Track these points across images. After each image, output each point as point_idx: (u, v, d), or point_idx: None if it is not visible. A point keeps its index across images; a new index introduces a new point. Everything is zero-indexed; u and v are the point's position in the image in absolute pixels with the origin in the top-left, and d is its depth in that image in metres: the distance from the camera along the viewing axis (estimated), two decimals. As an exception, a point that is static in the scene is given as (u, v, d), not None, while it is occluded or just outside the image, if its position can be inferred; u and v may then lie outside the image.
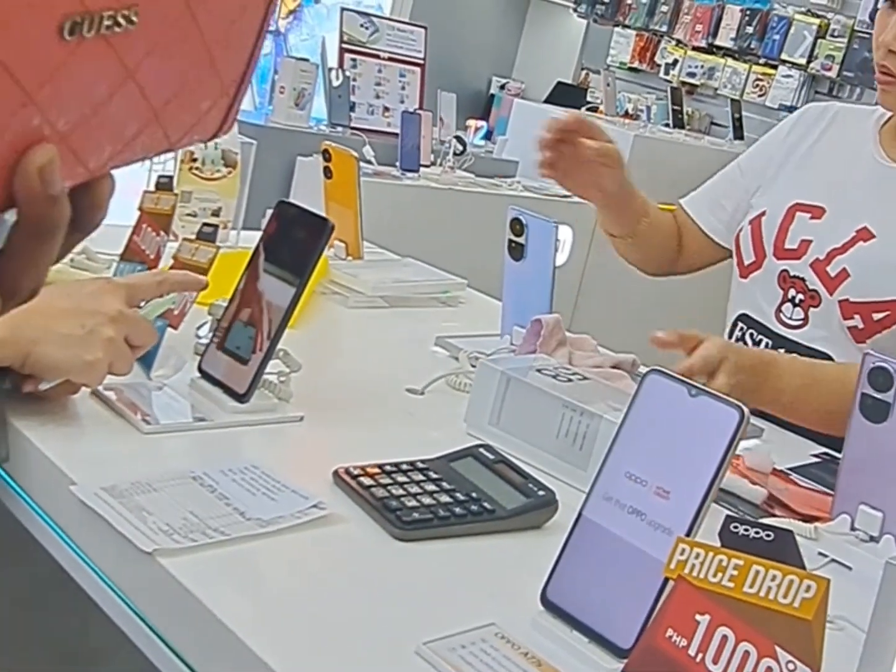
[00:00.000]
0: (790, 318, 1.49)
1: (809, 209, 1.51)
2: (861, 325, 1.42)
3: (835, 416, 1.27)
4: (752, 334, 1.55)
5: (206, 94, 0.42)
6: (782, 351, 1.49)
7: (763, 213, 1.54)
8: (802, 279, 1.47)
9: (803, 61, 5.43)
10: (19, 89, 0.34)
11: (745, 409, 0.71)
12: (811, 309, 1.47)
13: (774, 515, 1.08)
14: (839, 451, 1.08)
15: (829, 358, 1.46)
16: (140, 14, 0.36)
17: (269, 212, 1.09)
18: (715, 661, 0.60)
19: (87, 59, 0.36)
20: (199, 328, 1.21)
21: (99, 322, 0.93)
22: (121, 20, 0.36)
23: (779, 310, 1.51)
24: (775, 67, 5.59)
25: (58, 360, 0.91)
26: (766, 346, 1.51)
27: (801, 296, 1.48)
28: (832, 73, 5.35)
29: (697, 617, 0.62)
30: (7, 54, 0.33)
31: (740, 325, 1.57)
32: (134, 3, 0.36)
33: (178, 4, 0.38)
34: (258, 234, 1.09)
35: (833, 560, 0.99)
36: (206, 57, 0.40)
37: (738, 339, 1.56)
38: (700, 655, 0.61)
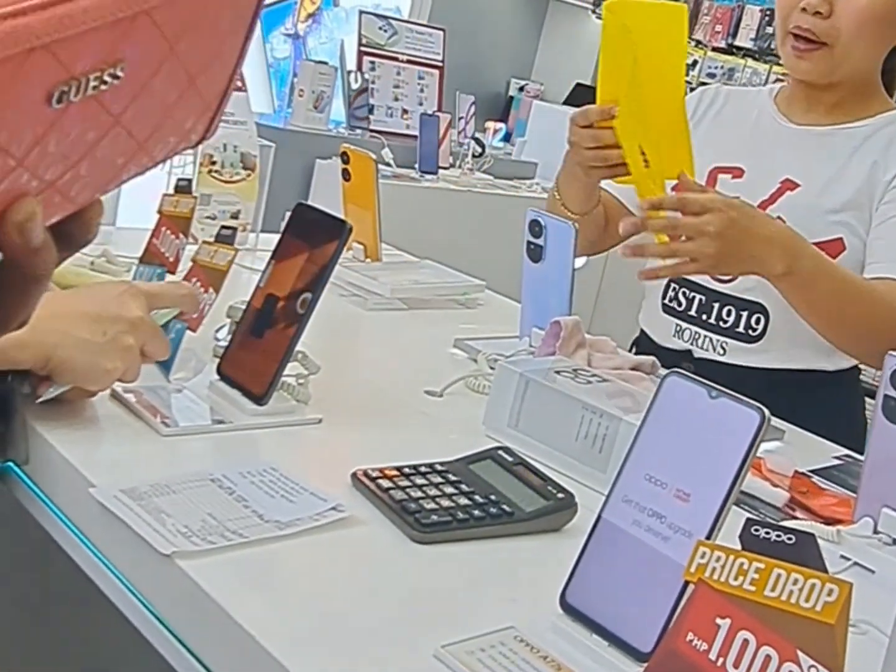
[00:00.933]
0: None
1: (729, 170, 1.59)
2: None
3: (846, 319, 1.37)
4: (684, 293, 1.60)
5: (190, 114, 0.43)
6: (717, 305, 1.55)
7: None
8: None
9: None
10: (9, 158, 0.35)
11: (766, 412, 0.70)
12: None
13: (796, 518, 1.07)
14: (862, 453, 1.07)
15: (763, 307, 1.52)
16: (126, 66, 0.37)
17: (288, 214, 1.09)
18: (736, 666, 0.60)
19: (75, 119, 0.36)
20: (217, 331, 1.21)
21: (120, 329, 0.93)
22: (107, 78, 0.36)
23: None
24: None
25: (77, 364, 0.91)
26: (700, 301, 1.57)
27: None
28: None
29: (718, 621, 0.61)
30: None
31: (672, 285, 1.61)
32: (119, 59, 0.36)
33: (162, 48, 0.38)
34: (277, 237, 1.09)
35: (856, 563, 0.98)
36: (189, 85, 0.41)
37: (671, 300, 1.61)
38: (721, 659, 0.60)
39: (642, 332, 1.70)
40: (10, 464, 0.93)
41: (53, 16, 0.34)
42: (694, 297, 1.58)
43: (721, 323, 1.56)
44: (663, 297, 1.63)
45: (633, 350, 1.69)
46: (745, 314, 1.53)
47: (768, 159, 1.57)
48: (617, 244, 1.72)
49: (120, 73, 0.37)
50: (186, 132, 0.44)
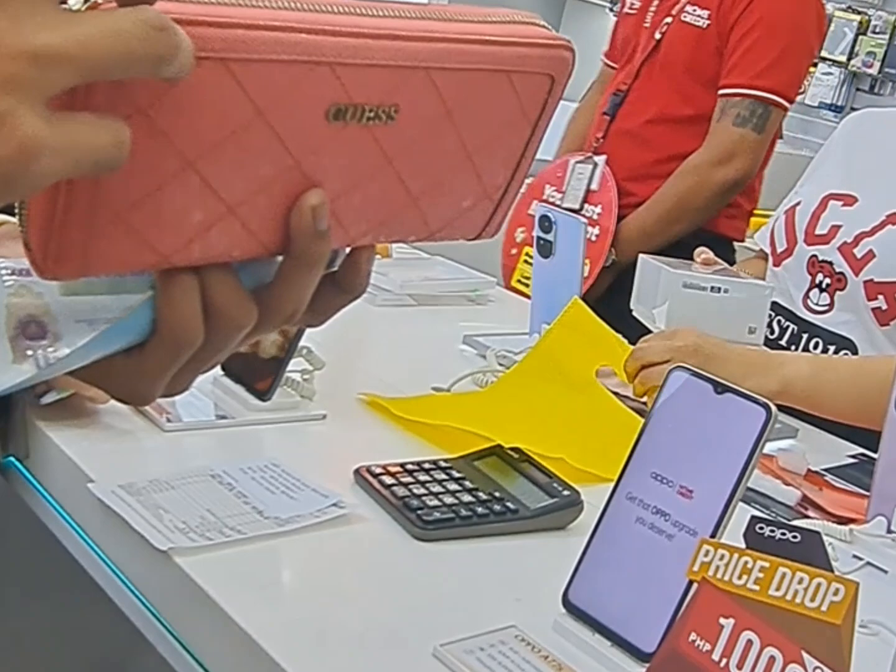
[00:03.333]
0: (816, 304, 1.49)
1: (842, 198, 1.52)
2: (885, 307, 1.42)
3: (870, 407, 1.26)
4: (779, 321, 1.54)
5: (467, 193, 0.46)
6: (806, 336, 1.49)
7: (798, 204, 1.55)
8: (830, 262, 1.47)
9: (844, 58, 5.35)
10: (289, 155, 0.40)
11: (773, 407, 0.69)
12: (837, 293, 1.47)
13: (808, 517, 1.05)
14: (876, 452, 1.05)
15: (852, 342, 1.46)
16: (400, 112, 0.41)
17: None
18: (739, 667, 0.58)
19: (349, 142, 0.41)
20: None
21: None
22: (381, 115, 0.41)
23: (806, 295, 1.51)
24: (815, 65, 5.52)
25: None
26: (792, 331, 1.52)
27: (827, 280, 1.48)
28: (873, 71, 5.27)
29: (722, 620, 0.59)
30: (281, 126, 0.39)
31: (771, 312, 1.56)
32: (394, 102, 0.41)
33: (437, 109, 0.42)
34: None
35: (868, 563, 0.96)
36: (467, 160, 0.45)
37: (766, 327, 1.55)
38: (724, 660, 0.59)
39: None
40: (12, 458, 0.92)
41: (341, 42, 0.39)
42: (787, 327, 1.52)
43: None
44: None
45: None
46: (832, 349, 1.47)
47: (884, 188, 1.49)
48: None
49: (394, 115, 0.41)
50: (463, 211, 0.46)
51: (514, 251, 2.25)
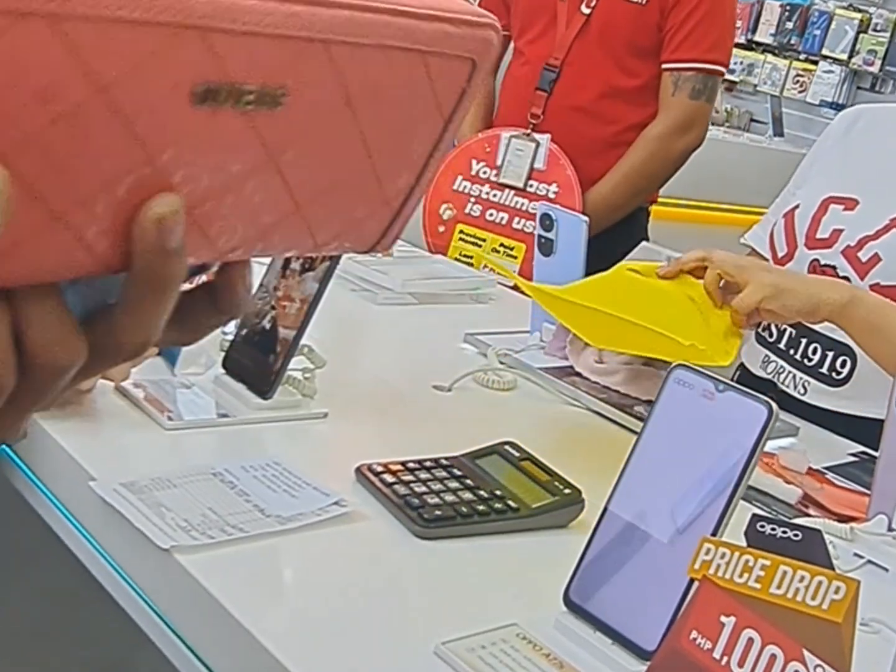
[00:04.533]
0: None
1: (843, 201, 1.50)
2: None
3: None
4: (777, 324, 1.53)
5: (363, 200, 0.38)
6: (805, 340, 1.48)
7: (797, 207, 1.52)
8: (833, 267, 1.45)
9: (845, 56, 5.35)
10: (139, 146, 0.31)
11: (774, 406, 0.69)
12: None
13: (809, 515, 1.05)
14: (877, 450, 1.05)
15: (851, 350, 1.44)
16: (288, 96, 0.32)
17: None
18: (740, 665, 0.58)
19: (220, 131, 0.32)
20: (224, 324, 1.20)
21: None
22: (265, 98, 0.32)
23: None
24: (816, 63, 5.51)
25: None
26: (790, 335, 1.51)
27: None
28: (874, 69, 5.27)
29: (723, 618, 0.59)
30: (129, 109, 0.30)
31: None
32: (282, 83, 0.32)
33: (334, 95, 0.34)
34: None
35: (869, 561, 0.96)
36: (366, 159, 0.36)
37: (764, 329, 1.55)
38: (725, 658, 0.59)
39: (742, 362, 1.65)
40: (4, 446, 0.92)
41: (222, 1, 0.29)
42: (785, 330, 1.51)
43: (806, 360, 1.48)
44: (758, 326, 1.53)
45: (735, 376, 1.63)
46: (830, 354, 1.45)
47: (885, 192, 1.47)
48: None
49: (281, 99, 0.32)
50: (356, 223, 0.38)
51: (441, 229, 2.21)
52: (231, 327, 1.20)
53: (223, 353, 1.09)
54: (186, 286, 0.36)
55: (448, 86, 0.37)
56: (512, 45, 2.24)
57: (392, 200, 0.39)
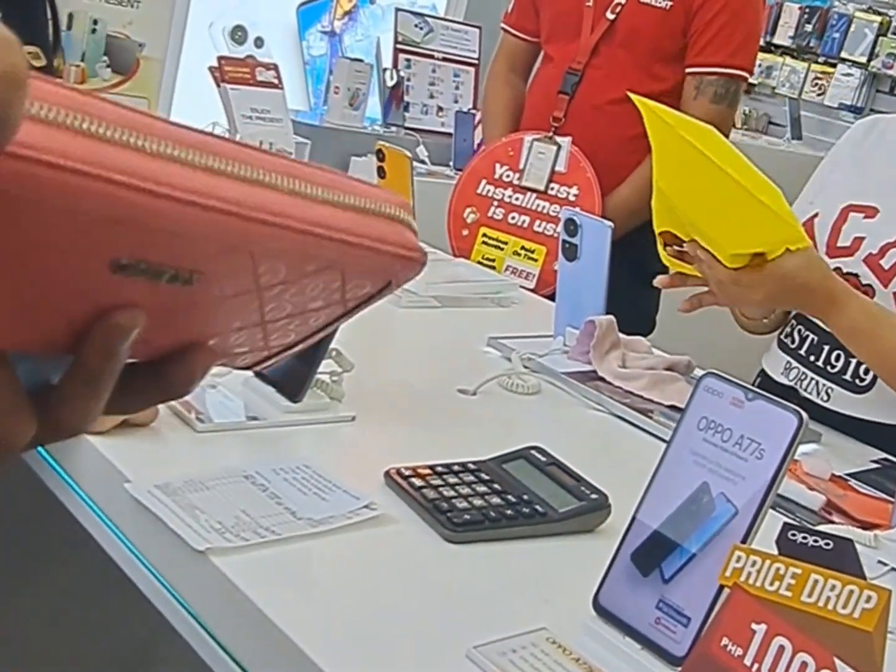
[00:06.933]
0: None
1: (863, 209, 1.50)
2: None
3: None
4: (799, 330, 1.53)
5: (250, 348, 0.42)
6: (827, 348, 1.47)
7: (816, 215, 1.52)
8: (856, 275, 1.45)
9: (864, 59, 5.33)
10: (76, 292, 0.34)
11: (804, 414, 0.69)
12: None
13: (833, 522, 1.06)
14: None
15: None
16: (200, 279, 0.35)
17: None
18: (771, 672, 0.59)
19: (135, 290, 0.34)
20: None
21: None
22: (178, 278, 0.34)
23: None
24: (835, 66, 5.50)
25: None
26: (812, 342, 1.50)
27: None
28: (894, 72, 5.25)
29: (753, 626, 0.60)
30: (58, 266, 0.32)
31: (792, 321, 1.55)
32: (198, 270, 0.35)
33: (248, 286, 0.36)
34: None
35: (893, 569, 0.96)
36: (259, 324, 0.40)
37: (787, 336, 1.54)
38: (756, 665, 0.60)
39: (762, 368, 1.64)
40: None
41: (151, 204, 0.31)
42: (807, 337, 1.50)
43: (829, 367, 1.47)
44: (780, 332, 1.56)
45: (756, 383, 1.63)
46: (853, 361, 1.43)
47: None
48: None
49: (193, 281, 0.35)
50: (233, 356, 0.42)
51: (465, 232, 2.22)
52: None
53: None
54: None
55: (359, 291, 0.40)
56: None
57: (272, 353, 0.43)
